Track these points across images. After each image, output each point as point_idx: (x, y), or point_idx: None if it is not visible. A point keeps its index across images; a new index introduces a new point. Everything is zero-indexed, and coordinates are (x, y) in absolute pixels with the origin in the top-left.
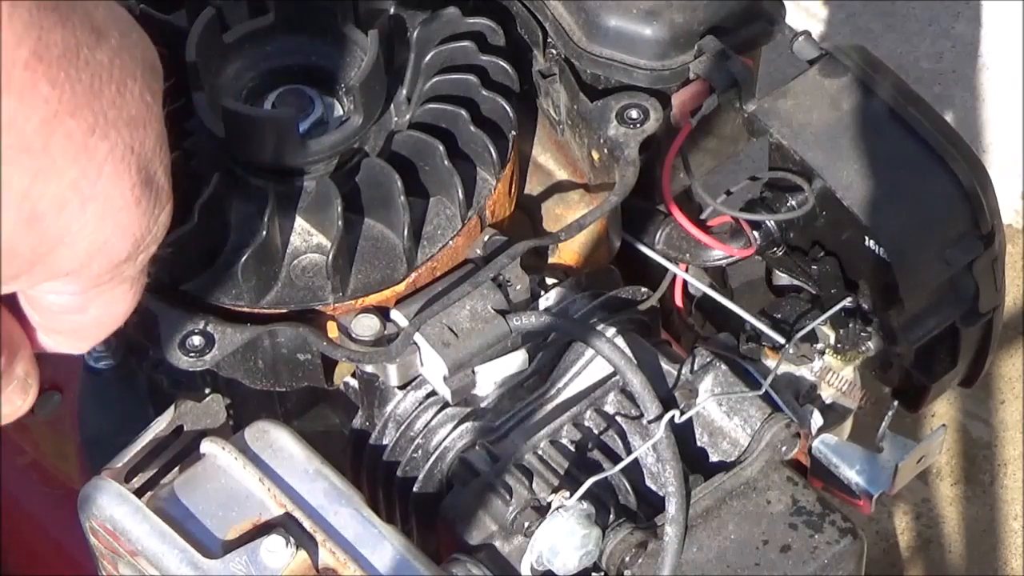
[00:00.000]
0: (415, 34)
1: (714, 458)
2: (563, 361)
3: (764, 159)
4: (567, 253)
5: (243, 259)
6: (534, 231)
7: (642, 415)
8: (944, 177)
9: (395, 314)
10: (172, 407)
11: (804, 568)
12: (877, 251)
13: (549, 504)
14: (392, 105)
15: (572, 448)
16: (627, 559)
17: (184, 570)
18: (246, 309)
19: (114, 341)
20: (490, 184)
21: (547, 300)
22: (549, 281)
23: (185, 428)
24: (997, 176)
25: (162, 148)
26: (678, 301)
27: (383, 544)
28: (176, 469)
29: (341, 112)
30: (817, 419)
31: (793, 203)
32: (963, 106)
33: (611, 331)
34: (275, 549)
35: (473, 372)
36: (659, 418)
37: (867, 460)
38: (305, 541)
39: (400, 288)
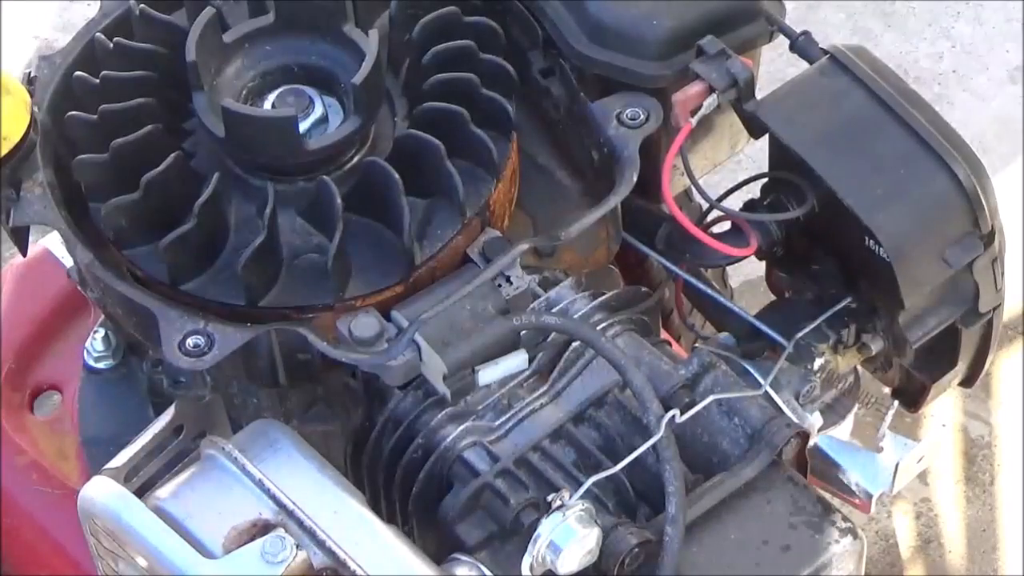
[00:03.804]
0: (415, 34)
1: (714, 458)
2: (563, 361)
3: (764, 159)
4: (567, 253)
5: (243, 259)
6: (534, 231)
7: (642, 415)
8: (944, 177)
9: (395, 314)
10: (172, 407)
11: (804, 568)
12: (877, 251)
13: (549, 504)
14: (392, 105)
15: (572, 448)
16: (627, 559)
17: (184, 570)
18: (246, 309)
19: (114, 341)
20: (490, 184)
21: (547, 300)
22: (549, 281)
23: (185, 428)
24: (997, 176)
25: None
26: (678, 301)
27: (383, 544)
28: (176, 469)
29: (341, 112)
30: (817, 419)
31: (793, 203)
32: (963, 106)
33: (611, 331)
34: (275, 549)
35: (473, 372)
36: (659, 418)
37: (867, 460)
38: (305, 541)
39: (400, 288)
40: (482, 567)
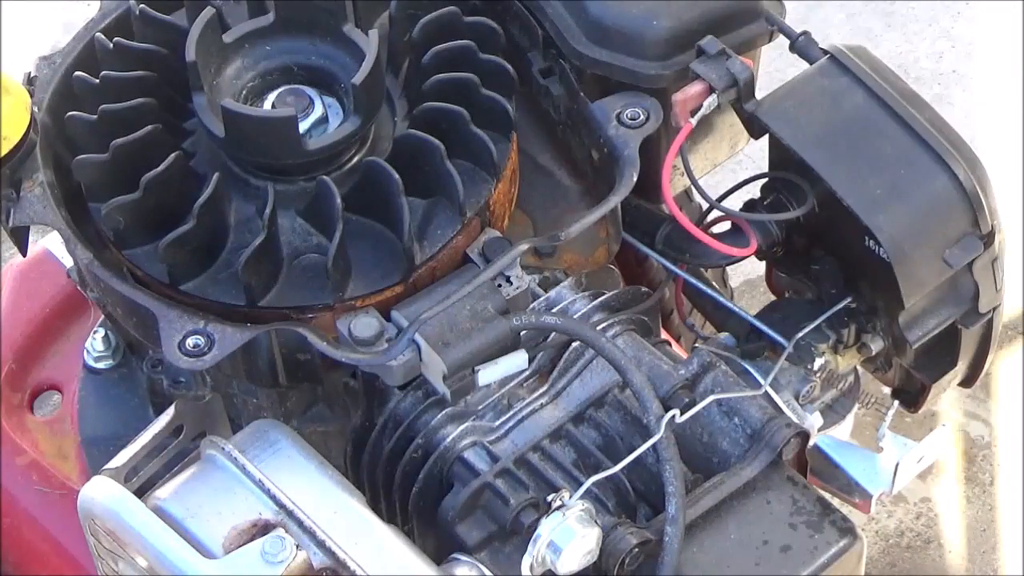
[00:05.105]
0: (415, 34)
1: (714, 458)
2: (563, 361)
3: (764, 159)
4: (567, 253)
5: (243, 259)
6: (534, 231)
7: (642, 415)
8: (944, 177)
9: (395, 315)
10: (172, 407)
11: (804, 568)
12: (877, 251)
13: (549, 504)
14: (392, 105)
15: (572, 448)
16: (627, 559)
17: (184, 570)
18: (246, 309)
19: (114, 341)
20: (490, 184)
21: (547, 300)
22: (549, 281)
23: (185, 428)
24: (997, 176)
25: None
26: (678, 301)
27: (383, 544)
28: (176, 469)
29: (341, 112)
30: (817, 419)
31: (793, 203)
32: (963, 106)
33: (611, 331)
34: (275, 549)
35: (473, 372)
36: (659, 418)
37: (867, 460)
38: (305, 541)
39: (400, 288)
40: (482, 567)
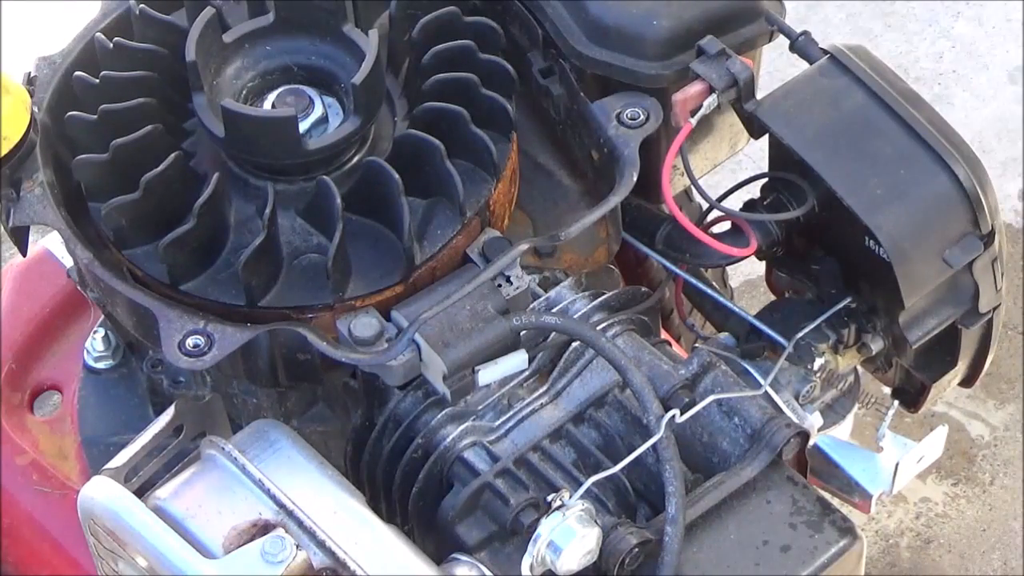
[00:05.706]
0: (415, 34)
1: (714, 458)
2: (563, 361)
3: (764, 159)
4: (567, 253)
5: (243, 259)
6: (534, 231)
7: (642, 415)
8: (944, 177)
9: (395, 315)
10: (172, 407)
11: (804, 568)
12: (877, 251)
13: (549, 504)
14: (392, 105)
15: (572, 448)
16: (627, 559)
17: (184, 570)
18: (246, 309)
19: (114, 341)
20: (490, 184)
21: (547, 300)
22: (549, 281)
23: (185, 428)
24: (997, 176)
25: None
26: (678, 301)
27: (383, 544)
28: (176, 469)
29: (341, 112)
30: (817, 419)
31: (793, 203)
32: (963, 106)
33: (611, 331)
34: (275, 549)
35: (473, 372)
36: (659, 418)
37: (867, 460)
38: (305, 541)
39: (400, 288)
40: (482, 567)
